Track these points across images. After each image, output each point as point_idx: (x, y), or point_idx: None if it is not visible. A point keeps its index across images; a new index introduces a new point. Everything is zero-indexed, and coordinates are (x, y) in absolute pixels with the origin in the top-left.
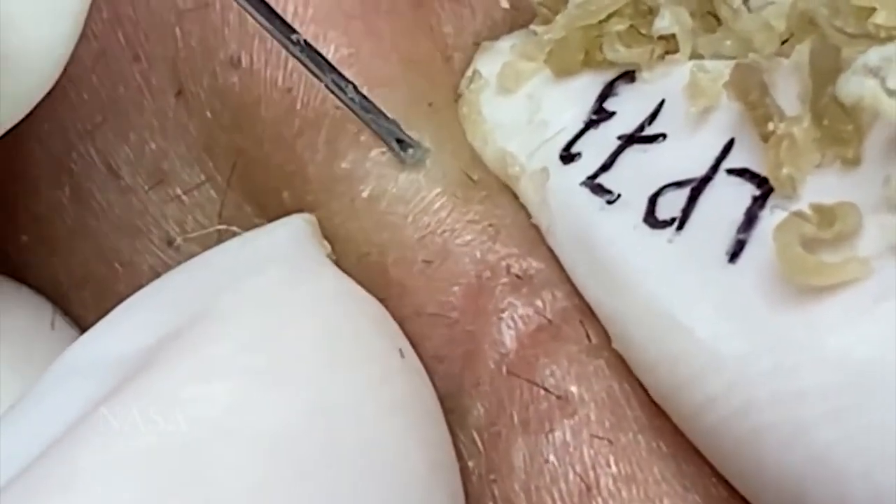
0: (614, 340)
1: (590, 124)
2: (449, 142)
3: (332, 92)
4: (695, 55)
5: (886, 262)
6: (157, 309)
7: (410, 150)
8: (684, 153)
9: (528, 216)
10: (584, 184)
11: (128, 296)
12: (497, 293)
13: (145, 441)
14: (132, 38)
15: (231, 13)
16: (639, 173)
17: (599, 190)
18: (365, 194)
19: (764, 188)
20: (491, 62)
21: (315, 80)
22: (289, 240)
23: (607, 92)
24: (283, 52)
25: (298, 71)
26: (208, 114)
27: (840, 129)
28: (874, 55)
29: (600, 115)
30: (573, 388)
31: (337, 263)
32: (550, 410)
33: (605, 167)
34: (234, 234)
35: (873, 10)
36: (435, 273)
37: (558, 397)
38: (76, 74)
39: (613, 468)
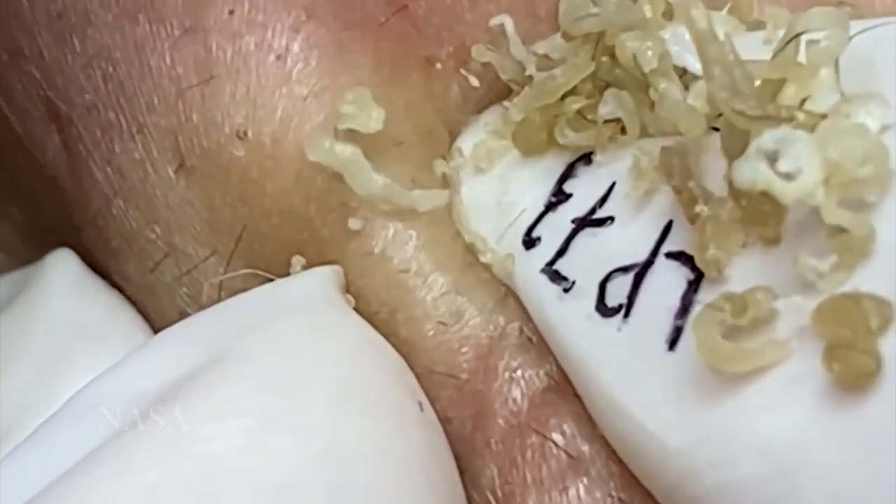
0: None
1: (549, 207)
2: None
3: None
4: (644, 133)
5: (802, 344)
6: (181, 348)
7: None
8: (629, 237)
9: None
10: (543, 271)
11: None
12: (507, 354)
13: (154, 477)
14: (136, 111)
15: (240, 85)
16: (590, 258)
17: (557, 277)
18: (377, 250)
19: (697, 272)
20: (471, 138)
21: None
22: (316, 288)
23: (568, 173)
24: (293, 122)
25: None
26: (211, 188)
27: (759, 209)
28: (768, 138)
29: (559, 197)
30: (585, 448)
31: None
32: (563, 469)
33: (561, 252)
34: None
35: (783, 82)
36: (446, 333)
37: (570, 456)
38: (92, 143)
39: None
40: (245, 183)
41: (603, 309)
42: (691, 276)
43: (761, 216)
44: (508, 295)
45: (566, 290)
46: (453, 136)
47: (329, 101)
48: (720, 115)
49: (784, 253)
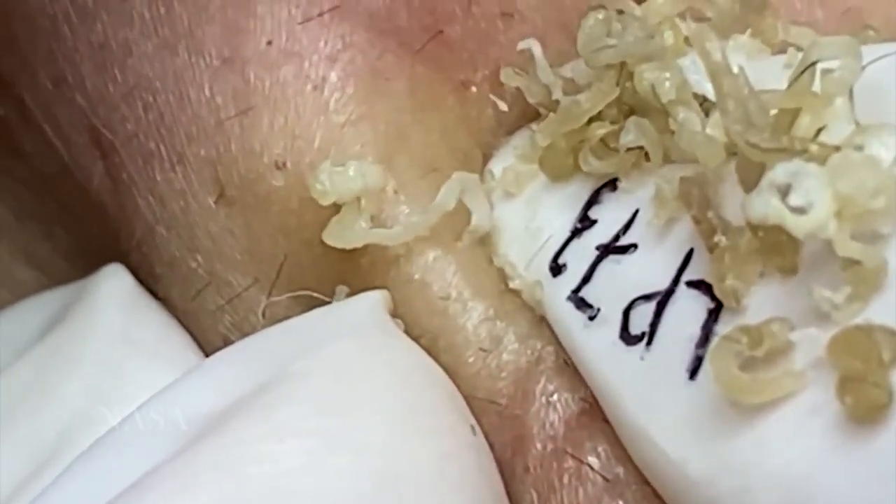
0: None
1: (574, 233)
2: None
3: None
4: (668, 159)
5: (818, 375)
6: (233, 371)
7: None
8: (651, 265)
9: None
10: (569, 298)
11: None
12: (543, 378)
13: (210, 496)
14: (176, 141)
15: (277, 115)
16: (613, 286)
17: (582, 305)
18: (417, 276)
19: (717, 301)
20: (501, 162)
21: None
22: (365, 312)
23: (593, 199)
24: (331, 151)
25: None
26: (251, 218)
27: (775, 239)
28: (781, 171)
29: (584, 223)
30: (619, 471)
31: None
32: (599, 493)
33: (586, 279)
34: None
35: (798, 112)
36: (486, 359)
37: (606, 479)
38: (134, 171)
39: None
40: (285, 213)
41: (626, 337)
42: (711, 305)
43: (778, 247)
44: (543, 319)
45: (591, 318)
46: (487, 158)
47: (367, 128)
48: None
49: (801, 283)
